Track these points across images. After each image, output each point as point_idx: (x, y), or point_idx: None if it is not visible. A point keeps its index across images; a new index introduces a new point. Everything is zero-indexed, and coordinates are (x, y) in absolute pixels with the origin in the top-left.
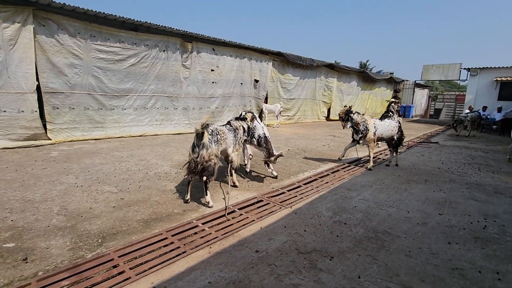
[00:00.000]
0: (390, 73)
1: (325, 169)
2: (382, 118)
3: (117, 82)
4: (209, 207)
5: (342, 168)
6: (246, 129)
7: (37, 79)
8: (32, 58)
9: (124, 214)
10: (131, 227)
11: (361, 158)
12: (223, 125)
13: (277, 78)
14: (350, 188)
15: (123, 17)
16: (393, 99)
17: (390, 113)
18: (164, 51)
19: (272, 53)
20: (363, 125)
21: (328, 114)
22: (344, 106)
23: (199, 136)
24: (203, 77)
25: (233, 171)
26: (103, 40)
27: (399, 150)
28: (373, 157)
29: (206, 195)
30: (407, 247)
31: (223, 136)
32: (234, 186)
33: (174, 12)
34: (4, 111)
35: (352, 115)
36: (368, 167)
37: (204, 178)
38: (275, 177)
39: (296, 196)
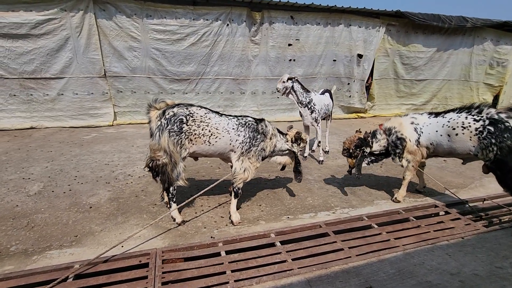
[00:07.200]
0: None
1: (374, 211)
2: None
3: (177, 65)
4: (177, 224)
5: (419, 218)
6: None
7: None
8: (97, 44)
9: None
10: None
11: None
12: (230, 115)
13: (394, 50)
14: None
15: None
16: None
17: None
18: (227, 25)
19: (386, 15)
20: (393, 137)
21: (495, 104)
22: (357, 131)
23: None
24: (277, 54)
25: (233, 194)
26: (159, 19)
27: None
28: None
29: (170, 206)
30: None
31: (198, 129)
32: (231, 222)
33: None
34: (76, 94)
35: (367, 149)
36: (396, 197)
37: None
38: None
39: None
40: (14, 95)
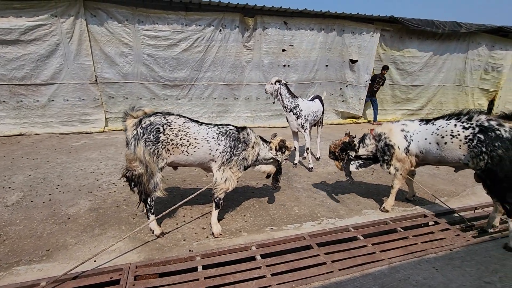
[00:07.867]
0: None
1: (361, 222)
2: None
3: (170, 71)
4: (155, 236)
5: (407, 228)
6: (253, 155)
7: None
8: (88, 49)
9: None
10: None
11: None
12: (210, 124)
13: (388, 55)
14: None
15: None
16: None
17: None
18: (220, 30)
19: (380, 20)
20: (382, 143)
21: (490, 109)
22: (346, 135)
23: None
24: (271, 60)
25: (214, 205)
26: (151, 24)
27: None
28: None
29: (148, 218)
30: None
31: (176, 139)
32: (212, 234)
33: None
34: (67, 100)
35: (352, 153)
36: (384, 206)
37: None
38: None
39: None
40: (4, 102)
